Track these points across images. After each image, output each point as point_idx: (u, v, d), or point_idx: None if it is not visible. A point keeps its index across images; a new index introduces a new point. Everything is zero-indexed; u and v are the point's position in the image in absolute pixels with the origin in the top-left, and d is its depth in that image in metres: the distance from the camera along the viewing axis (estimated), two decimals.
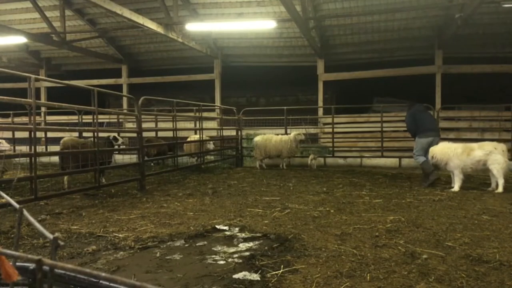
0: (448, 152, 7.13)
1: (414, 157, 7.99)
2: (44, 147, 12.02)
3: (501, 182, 6.79)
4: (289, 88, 17.86)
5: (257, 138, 10.91)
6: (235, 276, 3.14)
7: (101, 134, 7.78)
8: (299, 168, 10.95)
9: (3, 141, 8.40)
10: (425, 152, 7.64)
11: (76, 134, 10.64)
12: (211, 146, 11.43)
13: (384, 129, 11.27)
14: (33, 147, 5.48)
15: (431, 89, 12.88)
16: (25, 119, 13.25)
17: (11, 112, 12.76)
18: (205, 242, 4.09)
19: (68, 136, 9.00)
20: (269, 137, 10.82)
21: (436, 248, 3.77)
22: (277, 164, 11.27)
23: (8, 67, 13.06)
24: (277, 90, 18.01)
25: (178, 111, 11.19)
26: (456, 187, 7.07)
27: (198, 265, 3.42)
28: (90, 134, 8.87)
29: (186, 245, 4.02)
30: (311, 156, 10.87)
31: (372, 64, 13.97)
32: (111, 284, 0.99)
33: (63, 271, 0.99)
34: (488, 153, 6.81)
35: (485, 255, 3.51)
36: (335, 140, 11.83)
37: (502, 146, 6.90)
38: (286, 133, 11.41)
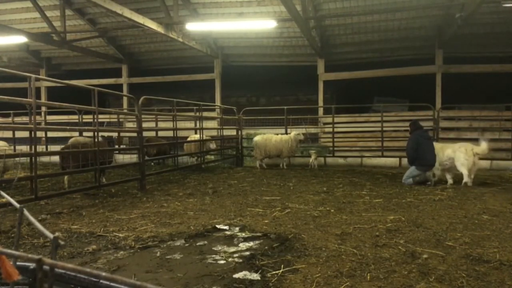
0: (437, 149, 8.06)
1: (403, 181, 7.95)
2: (44, 146, 12.03)
3: (464, 173, 7.57)
4: (289, 88, 17.86)
5: (257, 138, 10.90)
6: (236, 275, 3.14)
7: (101, 134, 7.79)
8: (299, 168, 10.95)
9: None
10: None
11: (77, 133, 10.66)
12: (213, 145, 11.43)
13: (384, 128, 11.27)
14: (33, 146, 5.49)
15: (431, 88, 12.87)
16: (25, 118, 13.25)
17: (11, 111, 12.77)
18: (206, 242, 4.09)
19: (75, 136, 9.01)
20: (269, 137, 10.82)
21: (437, 247, 3.77)
22: (277, 163, 11.27)
23: (9, 66, 13.05)
24: (277, 89, 18.01)
25: (178, 111, 11.21)
26: (448, 182, 7.88)
27: (199, 265, 3.42)
28: (90, 134, 8.87)
29: (187, 244, 4.02)
30: (313, 156, 10.87)
31: (373, 64, 13.97)
32: (112, 284, 0.99)
33: (63, 271, 0.99)
34: (454, 151, 7.66)
35: (485, 255, 3.51)
36: (335, 139, 11.82)
37: (467, 146, 7.63)
38: (286, 133, 11.41)
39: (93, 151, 6.73)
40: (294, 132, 10.81)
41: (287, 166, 11.10)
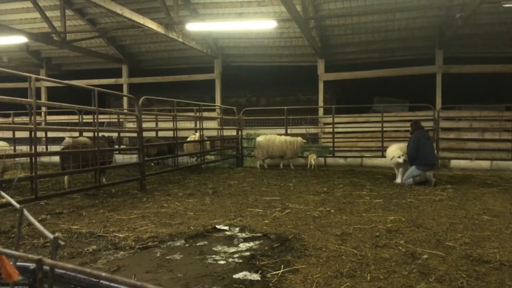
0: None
1: (404, 182, 7.93)
2: (44, 146, 12.02)
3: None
4: (290, 88, 17.86)
5: (259, 138, 10.90)
6: (236, 276, 3.14)
7: (101, 134, 7.78)
8: (299, 168, 10.95)
9: None
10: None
11: (77, 133, 10.66)
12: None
13: (384, 129, 11.26)
14: (33, 147, 5.49)
15: (431, 89, 12.87)
16: (25, 119, 13.25)
17: (11, 112, 12.77)
18: (206, 242, 4.09)
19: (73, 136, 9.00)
20: (272, 138, 10.83)
21: (437, 248, 3.77)
22: (277, 164, 11.25)
23: (9, 67, 13.07)
24: (277, 90, 18.01)
25: (179, 111, 11.20)
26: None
27: (199, 265, 3.42)
28: (90, 134, 8.87)
29: (187, 245, 4.02)
30: (314, 156, 10.87)
31: (373, 64, 13.96)
32: (112, 284, 0.99)
33: (63, 271, 0.99)
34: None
35: (485, 255, 3.51)
36: (335, 140, 11.82)
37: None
38: (286, 133, 11.41)
39: (93, 151, 6.74)
40: (301, 138, 10.84)
41: (287, 166, 11.08)
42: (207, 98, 15.63)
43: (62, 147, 9.28)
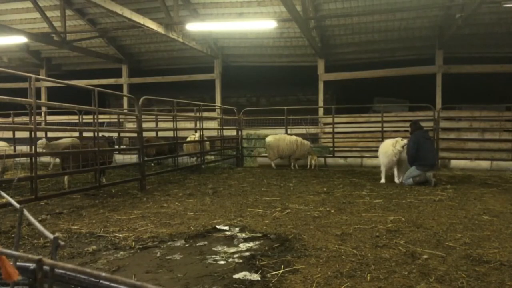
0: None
1: (404, 182, 7.92)
2: None
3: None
4: (290, 88, 17.86)
5: (269, 139, 10.93)
6: (236, 276, 3.14)
7: (101, 134, 7.78)
8: (299, 168, 10.94)
9: None
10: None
11: (77, 134, 10.66)
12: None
13: (384, 129, 11.26)
14: (33, 147, 5.49)
15: (431, 89, 12.87)
16: (25, 119, 13.24)
17: (11, 112, 12.77)
18: (206, 242, 4.09)
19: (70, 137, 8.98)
20: (282, 137, 10.88)
21: (437, 248, 3.77)
22: (278, 164, 11.25)
23: (9, 67, 13.06)
24: (277, 90, 18.01)
25: (179, 111, 11.20)
26: None
27: (199, 265, 3.42)
28: (90, 134, 8.87)
29: (187, 245, 4.02)
30: (314, 157, 10.88)
31: (373, 64, 13.96)
32: (112, 284, 0.99)
33: (63, 271, 0.99)
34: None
35: (485, 255, 3.51)
36: (335, 140, 11.82)
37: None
38: (286, 133, 11.42)
39: (93, 151, 6.74)
40: (309, 144, 10.94)
41: (288, 167, 11.07)
42: (207, 98, 15.63)
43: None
